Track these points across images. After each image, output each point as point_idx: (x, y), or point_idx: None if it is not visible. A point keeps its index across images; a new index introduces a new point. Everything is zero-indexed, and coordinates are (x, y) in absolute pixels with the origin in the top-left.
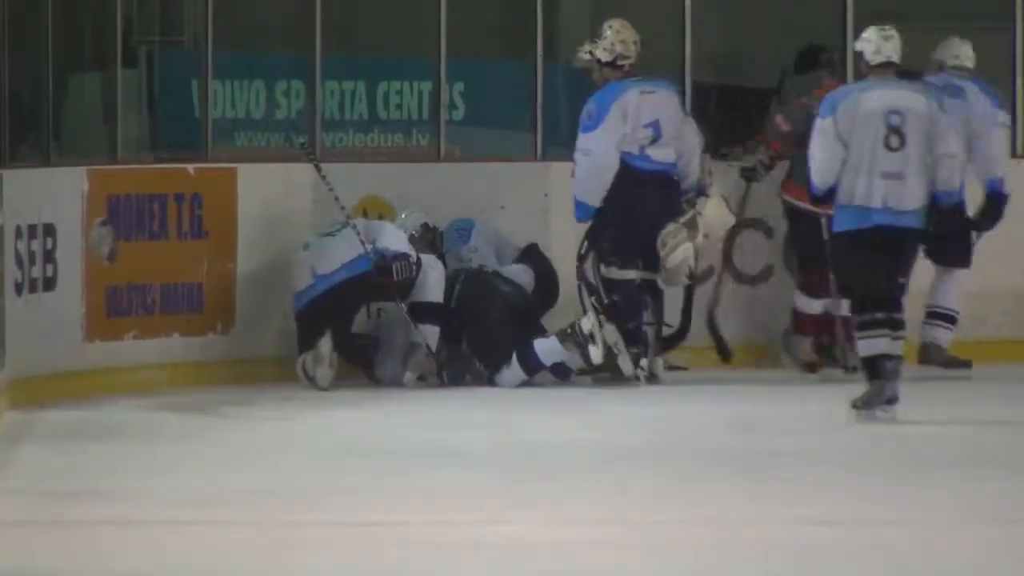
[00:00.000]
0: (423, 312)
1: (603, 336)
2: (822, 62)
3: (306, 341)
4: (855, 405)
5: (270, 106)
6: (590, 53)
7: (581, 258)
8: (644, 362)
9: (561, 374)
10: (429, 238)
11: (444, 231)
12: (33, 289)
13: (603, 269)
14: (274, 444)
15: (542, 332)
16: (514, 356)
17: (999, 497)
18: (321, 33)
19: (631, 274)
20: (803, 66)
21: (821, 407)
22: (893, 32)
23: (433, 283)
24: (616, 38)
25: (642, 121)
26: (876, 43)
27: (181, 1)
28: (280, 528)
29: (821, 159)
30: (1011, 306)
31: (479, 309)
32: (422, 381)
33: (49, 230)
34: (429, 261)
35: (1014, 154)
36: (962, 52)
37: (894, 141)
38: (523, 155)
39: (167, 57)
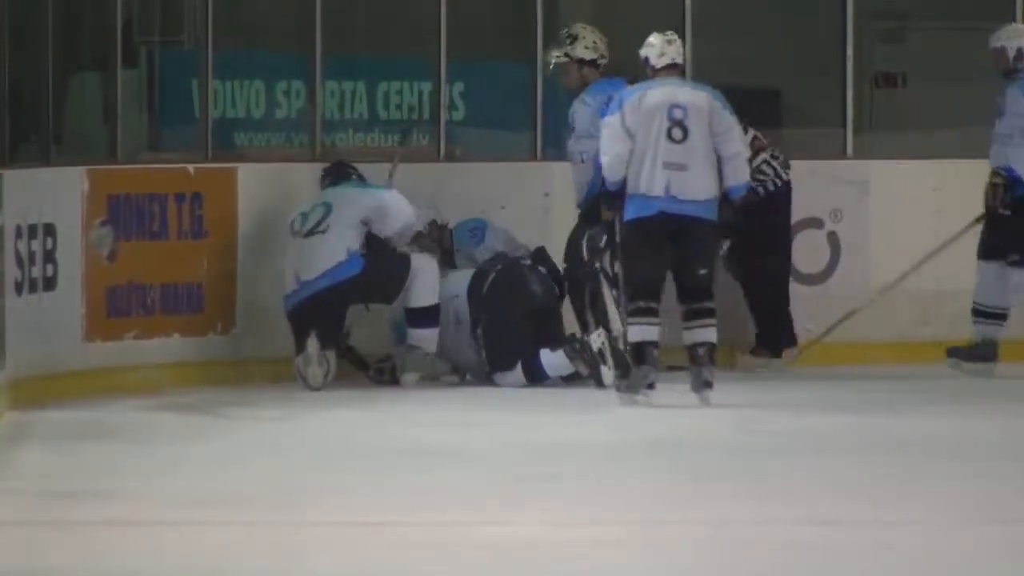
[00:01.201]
0: (418, 316)
1: (615, 345)
2: None
3: (297, 342)
4: (619, 388)
5: (270, 106)
6: (567, 55)
7: (598, 252)
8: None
9: (567, 377)
10: (436, 235)
11: (455, 229)
12: (33, 289)
13: (617, 264)
14: (274, 444)
15: (561, 338)
16: (519, 364)
17: (999, 497)
18: (321, 33)
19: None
20: None
21: (821, 407)
22: (675, 36)
23: (424, 285)
24: (594, 37)
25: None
26: (660, 47)
27: (181, 1)
28: (280, 528)
29: (611, 154)
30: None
31: (504, 304)
32: (422, 382)
33: (49, 230)
34: (421, 262)
35: None
36: None
37: (677, 133)
38: (523, 155)
39: (167, 57)
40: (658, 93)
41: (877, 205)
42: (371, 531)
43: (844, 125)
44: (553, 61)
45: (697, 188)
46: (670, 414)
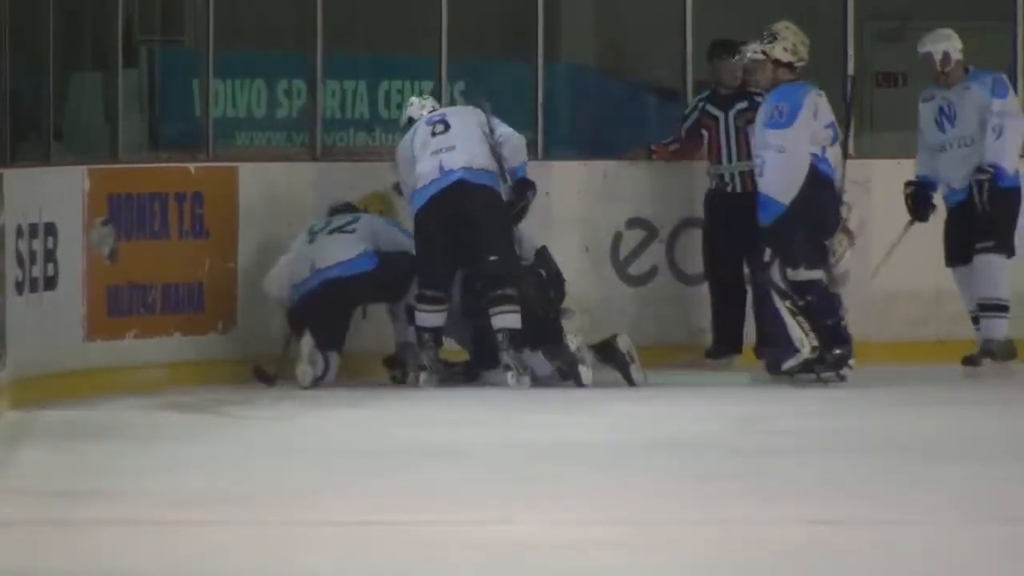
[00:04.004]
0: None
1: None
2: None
3: (298, 336)
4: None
5: (271, 105)
6: (763, 53)
7: (765, 266)
8: (852, 361)
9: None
10: None
11: None
12: (34, 288)
13: (790, 272)
14: (274, 444)
15: (545, 339)
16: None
17: (999, 497)
18: (322, 32)
19: (818, 274)
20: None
21: (821, 407)
22: (429, 95)
23: None
24: (796, 40)
25: (823, 121)
26: (418, 103)
27: (182, 0)
28: (280, 528)
29: (405, 189)
30: (1011, 306)
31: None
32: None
33: (50, 229)
34: None
35: None
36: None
37: (439, 128)
38: None
39: (168, 56)
40: (421, 121)
41: (878, 204)
42: (371, 531)
43: (845, 124)
44: (748, 56)
45: (465, 158)
46: (670, 414)
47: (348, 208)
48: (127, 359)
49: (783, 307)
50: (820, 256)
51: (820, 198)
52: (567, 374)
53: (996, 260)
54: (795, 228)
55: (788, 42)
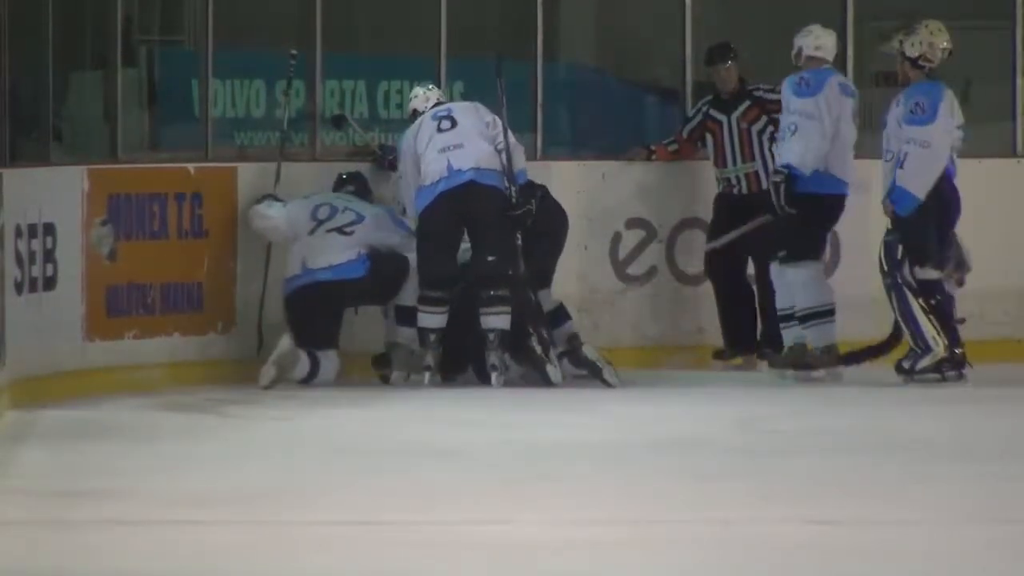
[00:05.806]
0: (407, 315)
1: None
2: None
3: (292, 330)
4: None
5: (270, 105)
6: (899, 42)
7: (898, 264)
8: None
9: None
10: None
11: None
12: (33, 288)
13: (918, 271)
14: (274, 444)
15: (518, 346)
16: (470, 367)
17: (1000, 497)
18: (321, 32)
19: (936, 274)
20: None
21: (821, 407)
22: (434, 86)
23: (415, 286)
24: (927, 38)
25: (956, 122)
26: (423, 96)
27: (182, 0)
28: (280, 528)
29: (407, 184)
30: (1011, 306)
31: (466, 316)
32: (409, 379)
33: (49, 229)
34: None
35: (1013, 153)
36: (825, 42)
37: (445, 124)
38: None
39: (167, 56)
40: (426, 115)
41: (878, 204)
42: (371, 531)
43: None
44: (887, 49)
45: (474, 158)
46: (670, 414)
47: (358, 177)
48: (127, 359)
49: (916, 305)
50: (944, 256)
51: (948, 198)
52: (535, 375)
53: (784, 271)
54: (927, 225)
55: (918, 38)
